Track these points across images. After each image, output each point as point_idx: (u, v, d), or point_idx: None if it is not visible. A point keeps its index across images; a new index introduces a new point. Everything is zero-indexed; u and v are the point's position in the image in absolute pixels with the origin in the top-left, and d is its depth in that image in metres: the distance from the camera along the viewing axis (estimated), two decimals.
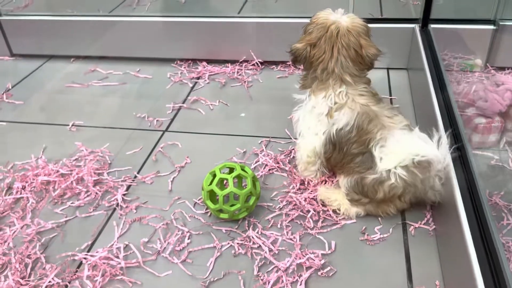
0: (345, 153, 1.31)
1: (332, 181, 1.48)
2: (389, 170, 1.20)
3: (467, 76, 1.98)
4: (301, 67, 1.43)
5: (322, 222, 1.34)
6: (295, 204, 1.40)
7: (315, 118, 1.36)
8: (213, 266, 1.24)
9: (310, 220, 1.35)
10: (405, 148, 1.20)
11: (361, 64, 1.32)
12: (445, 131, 1.33)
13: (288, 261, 1.22)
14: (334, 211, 1.37)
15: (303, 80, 1.42)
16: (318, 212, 1.37)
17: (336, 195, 1.37)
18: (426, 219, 1.33)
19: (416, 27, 2.02)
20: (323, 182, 1.48)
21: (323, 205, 1.39)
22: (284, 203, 1.42)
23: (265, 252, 1.26)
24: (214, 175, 1.36)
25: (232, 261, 1.25)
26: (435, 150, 1.19)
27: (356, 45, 1.28)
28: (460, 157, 1.25)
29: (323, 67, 1.32)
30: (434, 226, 1.31)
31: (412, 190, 1.24)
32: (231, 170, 1.36)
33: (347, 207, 1.35)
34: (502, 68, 1.91)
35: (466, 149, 1.26)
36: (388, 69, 2.14)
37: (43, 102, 2.08)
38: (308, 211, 1.37)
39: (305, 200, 1.41)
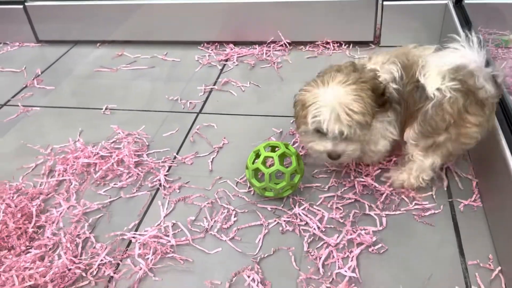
0: (408, 101, 1.25)
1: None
2: (439, 89, 1.17)
3: (502, 51, 1.94)
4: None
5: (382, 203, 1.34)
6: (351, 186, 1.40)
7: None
8: (262, 243, 1.24)
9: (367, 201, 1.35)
10: (442, 63, 1.18)
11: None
12: None
13: (338, 237, 1.22)
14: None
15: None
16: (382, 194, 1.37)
17: (403, 174, 1.35)
18: (474, 196, 1.32)
19: (449, 2, 1.98)
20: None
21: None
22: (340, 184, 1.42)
23: (314, 229, 1.26)
24: (258, 154, 1.35)
25: (280, 238, 1.26)
26: (467, 51, 1.16)
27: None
28: (510, 129, 1.23)
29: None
30: (482, 204, 1.30)
31: (473, 99, 1.16)
32: (274, 148, 1.36)
33: (419, 168, 1.31)
34: None
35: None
36: None
37: (74, 87, 2.09)
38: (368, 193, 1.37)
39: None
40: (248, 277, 1.15)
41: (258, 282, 1.13)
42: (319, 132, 1.20)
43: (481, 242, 1.20)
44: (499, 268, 1.12)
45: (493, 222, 1.22)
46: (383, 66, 1.25)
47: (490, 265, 1.13)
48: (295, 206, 1.34)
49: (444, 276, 1.12)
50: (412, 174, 1.33)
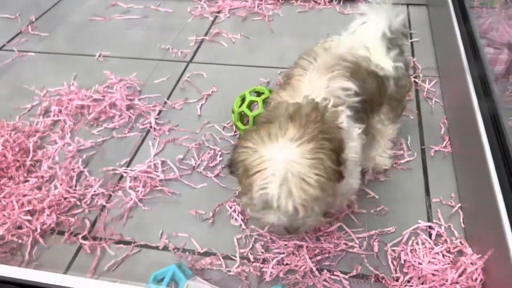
0: (373, 98, 1.12)
1: None
2: (390, 63, 1.14)
3: (486, 11, 1.99)
4: None
5: None
6: None
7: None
8: None
9: None
10: (373, 36, 1.15)
11: None
12: (469, 63, 1.39)
13: None
14: None
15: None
16: None
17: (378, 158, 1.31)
18: (445, 143, 1.42)
19: None
20: None
21: None
22: None
23: None
24: (244, 98, 1.43)
25: None
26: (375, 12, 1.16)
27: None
28: (483, 87, 1.31)
29: None
30: (451, 150, 1.39)
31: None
32: (260, 93, 1.43)
33: None
34: None
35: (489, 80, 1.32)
36: (407, 4, 2.16)
37: (69, 34, 2.12)
38: None
39: None
40: (230, 207, 1.25)
41: (238, 212, 1.23)
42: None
43: (446, 183, 1.30)
44: (459, 205, 1.23)
45: (459, 166, 1.32)
46: (331, 89, 1.01)
47: (451, 202, 1.24)
48: None
49: (410, 211, 1.22)
50: (385, 153, 1.31)
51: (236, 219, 1.23)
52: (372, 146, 1.29)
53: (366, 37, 1.14)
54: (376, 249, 1.13)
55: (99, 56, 1.94)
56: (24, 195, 1.27)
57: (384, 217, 1.22)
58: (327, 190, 0.88)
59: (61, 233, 1.22)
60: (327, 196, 0.90)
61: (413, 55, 1.84)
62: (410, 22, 2.04)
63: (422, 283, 1.04)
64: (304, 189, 0.85)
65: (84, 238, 1.20)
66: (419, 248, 1.12)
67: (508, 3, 1.96)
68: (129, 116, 1.58)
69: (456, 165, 1.34)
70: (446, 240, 1.13)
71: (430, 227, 1.17)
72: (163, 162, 1.41)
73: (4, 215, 1.22)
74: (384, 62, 1.12)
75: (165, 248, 1.18)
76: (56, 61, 1.94)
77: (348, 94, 1.02)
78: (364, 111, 1.07)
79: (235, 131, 1.51)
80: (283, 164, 0.84)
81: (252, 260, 1.13)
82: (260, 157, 0.87)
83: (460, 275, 1.03)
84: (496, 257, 0.98)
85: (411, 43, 1.91)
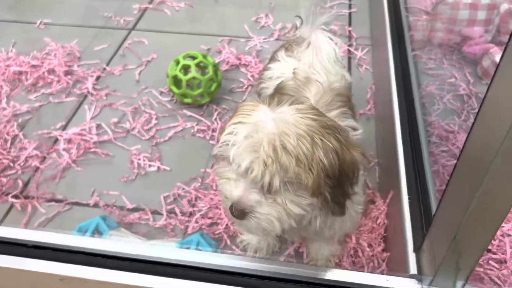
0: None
1: None
2: None
3: None
4: None
5: None
6: None
7: None
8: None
9: None
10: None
11: None
12: (391, 31, 1.47)
13: None
14: None
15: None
16: None
17: None
18: (369, 106, 1.51)
19: None
20: None
21: None
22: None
23: None
24: (178, 62, 1.47)
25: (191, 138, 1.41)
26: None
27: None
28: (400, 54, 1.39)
29: None
30: (374, 112, 1.48)
31: None
32: (194, 58, 1.47)
33: None
34: None
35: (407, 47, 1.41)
36: None
37: (9, 1, 2.09)
38: None
39: None
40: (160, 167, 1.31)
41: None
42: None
43: (367, 142, 1.38)
44: (376, 160, 1.32)
45: (378, 126, 1.42)
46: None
47: (371, 158, 1.33)
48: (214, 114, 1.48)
49: None
50: None
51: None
52: None
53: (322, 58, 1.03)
54: None
55: (40, 23, 1.93)
56: None
57: None
58: (302, 178, 0.68)
59: None
60: (305, 190, 0.70)
61: (350, 24, 1.91)
62: None
63: None
64: (287, 149, 0.67)
65: (16, 196, 1.23)
66: None
67: None
68: (67, 82, 1.60)
69: (376, 126, 1.43)
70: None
71: None
72: (98, 126, 1.44)
73: None
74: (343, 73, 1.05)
75: (96, 205, 1.23)
76: None
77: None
78: None
79: (172, 96, 1.55)
80: (270, 118, 0.69)
81: (178, 214, 1.19)
82: (254, 107, 0.73)
83: (366, 220, 1.13)
84: (395, 202, 1.07)
85: (349, 13, 1.98)
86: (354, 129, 0.90)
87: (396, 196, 1.05)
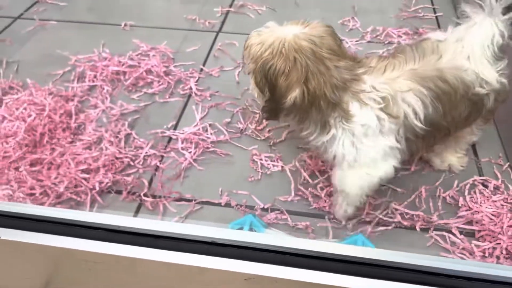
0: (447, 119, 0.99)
1: None
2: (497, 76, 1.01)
3: None
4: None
5: None
6: None
7: (368, 139, 0.95)
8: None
9: None
10: (482, 44, 1.00)
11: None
12: None
13: None
14: None
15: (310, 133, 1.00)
16: None
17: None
18: None
19: None
20: None
21: None
22: None
23: None
24: None
25: None
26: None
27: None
28: None
29: (326, 94, 0.91)
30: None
31: None
32: None
33: None
34: None
35: None
36: None
37: (89, 3, 2.08)
38: None
39: None
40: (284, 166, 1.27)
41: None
42: None
43: (492, 145, 1.34)
44: (508, 163, 1.27)
45: (502, 130, 1.37)
46: (397, 93, 0.93)
47: (500, 161, 1.28)
48: None
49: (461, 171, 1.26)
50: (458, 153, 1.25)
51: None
52: (444, 145, 1.20)
53: (473, 45, 1.00)
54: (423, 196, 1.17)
55: (125, 25, 1.91)
56: (78, 154, 1.25)
57: (436, 174, 1.25)
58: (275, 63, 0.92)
59: (118, 192, 1.21)
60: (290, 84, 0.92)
61: (439, 28, 1.88)
62: None
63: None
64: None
65: (145, 195, 1.19)
66: (477, 197, 1.16)
67: None
68: (168, 82, 1.57)
69: (499, 128, 1.38)
70: (503, 192, 1.18)
71: (486, 180, 1.21)
72: (210, 125, 1.41)
73: (59, 173, 1.20)
74: (489, 75, 0.99)
75: (227, 204, 1.18)
76: (80, 30, 1.89)
77: (411, 118, 0.94)
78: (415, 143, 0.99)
79: None
80: (288, 31, 0.95)
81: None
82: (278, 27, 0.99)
83: None
84: None
85: (436, 17, 1.95)
86: (414, 112, 0.94)
87: None
